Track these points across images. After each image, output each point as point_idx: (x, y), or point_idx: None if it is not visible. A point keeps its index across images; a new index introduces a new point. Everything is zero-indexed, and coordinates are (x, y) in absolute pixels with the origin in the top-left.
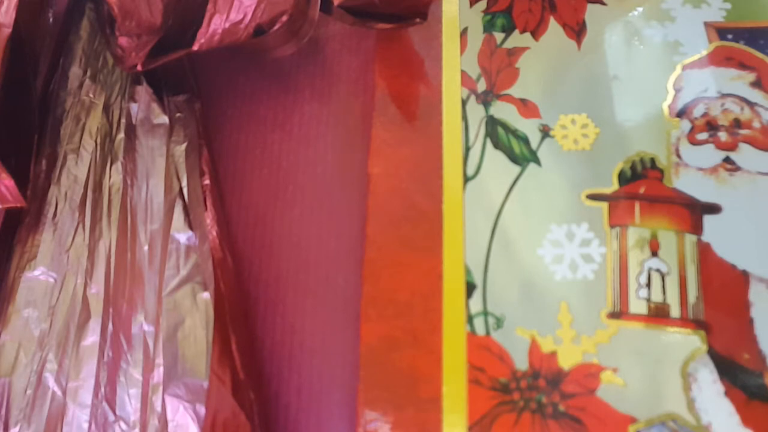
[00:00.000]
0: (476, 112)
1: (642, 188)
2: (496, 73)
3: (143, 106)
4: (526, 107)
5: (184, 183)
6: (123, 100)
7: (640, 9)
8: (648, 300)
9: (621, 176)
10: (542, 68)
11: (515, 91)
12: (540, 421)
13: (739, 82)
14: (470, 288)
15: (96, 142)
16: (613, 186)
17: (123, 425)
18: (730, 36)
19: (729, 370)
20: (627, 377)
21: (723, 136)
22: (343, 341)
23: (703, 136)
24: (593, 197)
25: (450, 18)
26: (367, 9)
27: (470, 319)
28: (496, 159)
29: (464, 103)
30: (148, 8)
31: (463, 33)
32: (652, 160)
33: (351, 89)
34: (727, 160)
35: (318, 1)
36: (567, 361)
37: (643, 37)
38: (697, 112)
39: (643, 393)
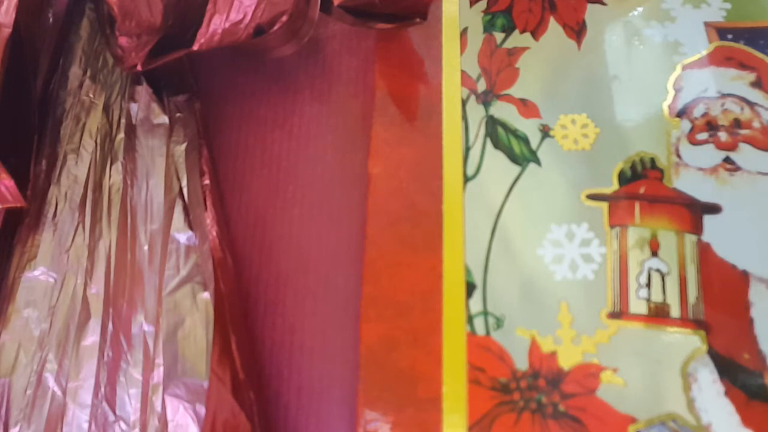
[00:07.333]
0: (476, 112)
1: (642, 188)
2: (496, 73)
3: (143, 106)
4: (526, 107)
5: (184, 183)
6: (123, 100)
7: (640, 9)
8: (648, 300)
9: (621, 176)
10: (542, 68)
11: (515, 91)
12: (540, 421)
13: (739, 82)
14: (470, 288)
15: (96, 142)
16: (613, 186)
17: (123, 425)
18: (730, 36)
19: (729, 370)
20: (627, 377)
21: (723, 136)
22: (343, 341)
23: (703, 136)
24: (593, 197)
25: (450, 18)
26: (367, 9)
27: (470, 319)
28: (496, 159)
29: (464, 103)
30: (148, 8)
31: (463, 33)
32: (652, 160)
33: (351, 89)
34: (727, 160)
35: (318, 1)
36: (567, 361)
37: (643, 37)
38: (697, 112)
39: (643, 393)
